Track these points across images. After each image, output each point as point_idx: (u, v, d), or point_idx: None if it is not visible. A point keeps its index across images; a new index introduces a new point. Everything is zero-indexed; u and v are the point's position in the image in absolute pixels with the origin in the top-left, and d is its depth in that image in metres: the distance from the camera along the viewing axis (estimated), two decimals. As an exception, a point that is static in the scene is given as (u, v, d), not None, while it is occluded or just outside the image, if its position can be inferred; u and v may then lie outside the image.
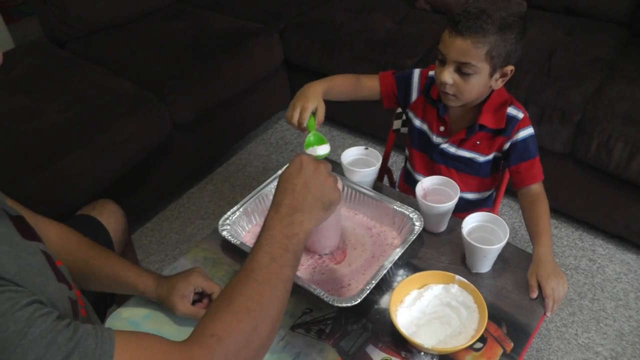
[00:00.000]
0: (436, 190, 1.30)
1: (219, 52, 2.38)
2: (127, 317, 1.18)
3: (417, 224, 1.24)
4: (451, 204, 1.24)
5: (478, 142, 1.38)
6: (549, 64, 2.09)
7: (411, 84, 1.46)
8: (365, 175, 1.36)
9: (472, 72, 1.23)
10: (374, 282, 1.12)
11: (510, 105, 1.34)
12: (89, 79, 2.22)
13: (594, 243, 2.16)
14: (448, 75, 1.25)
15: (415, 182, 1.52)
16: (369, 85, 1.49)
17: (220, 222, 1.30)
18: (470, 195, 1.49)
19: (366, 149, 1.42)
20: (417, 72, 1.46)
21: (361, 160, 1.42)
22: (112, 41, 2.51)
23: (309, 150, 1.20)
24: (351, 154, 1.41)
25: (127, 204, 2.17)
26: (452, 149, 1.42)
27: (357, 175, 1.35)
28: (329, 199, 0.88)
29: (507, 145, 1.36)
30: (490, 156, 1.40)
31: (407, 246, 1.19)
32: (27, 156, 1.88)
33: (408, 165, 1.58)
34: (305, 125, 1.27)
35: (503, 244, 1.13)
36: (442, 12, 2.53)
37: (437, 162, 1.46)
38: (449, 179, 1.29)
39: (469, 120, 1.38)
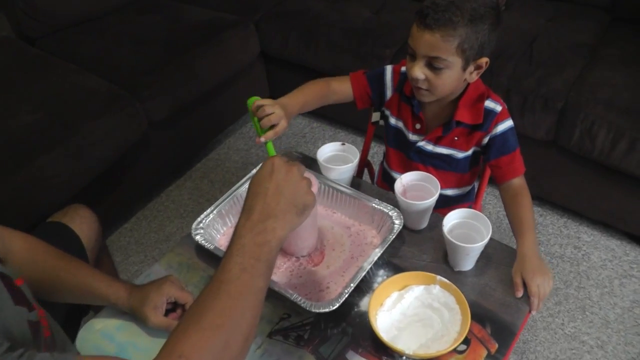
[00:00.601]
0: (416, 186, 1.27)
1: (193, 46, 2.32)
2: (100, 329, 1.15)
3: (397, 222, 1.21)
4: (431, 201, 1.20)
5: (456, 138, 1.34)
6: (531, 51, 2.06)
7: (384, 82, 1.41)
8: (343, 172, 1.32)
9: (444, 67, 1.19)
10: (353, 286, 1.09)
11: (487, 98, 1.30)
12: (60, 78, 2.15)
13: (578, 230, 2.14)
14: (419, 70, 1.21)
15: (393, 180, 1.49)
16: (340, 90, 1.43)
17: (193, 226, 1.25)
18: (450, 192, 1.45)
19: (343, 144, 1.38)
20: (389, 69, 1.41)
21: (338, 156, 1.38)
22: (84, 37, 2.43)
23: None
24: (327, 150, 1.37)
25: (104, 205, 2.14)
26: (429, 147, 1.38)
27: (334, 172, 1.31)
28: (302, 202, 0.85)
29: (485, 140, 1.32)
30: (469, 152, 1.36)
31: (386, 246, 1.16)
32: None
33: (385, 163, 1.54)
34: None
35: (485, 241, 1.10)
36: (420, 0, 2.47)
37: (414, 161, 1.43)
38: (429, 175, 1.25)
39: (445, 117, 1.34)
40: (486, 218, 1.14)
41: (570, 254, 2.06)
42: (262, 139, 1.12)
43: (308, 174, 1.09)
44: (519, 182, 1.31)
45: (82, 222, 1.40)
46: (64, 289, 1.13)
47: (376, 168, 1.72)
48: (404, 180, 1.26)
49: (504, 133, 1.30)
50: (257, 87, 2.75)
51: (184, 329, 0.73)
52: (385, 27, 2.32)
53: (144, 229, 2.33)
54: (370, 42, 2.26)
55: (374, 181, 1.65)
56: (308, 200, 0.86)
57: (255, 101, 1.16)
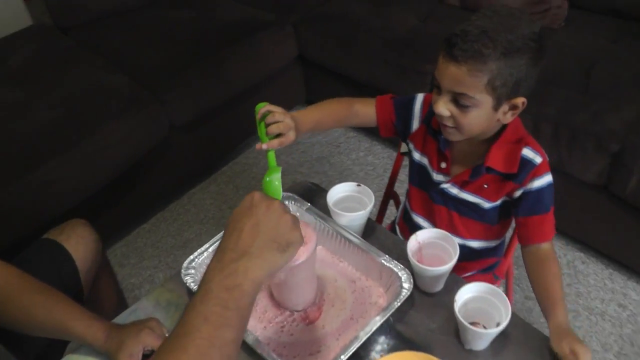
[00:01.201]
0: (433, 244, 1.12)
1: (224, 47, 2.21)
2: None
3: (406, 285, 1.07)
4: (447, 268, 1.05)
5: (485, 186, 1.18)
6: (587, 79, 1.85)
7: (412, 111, 1.26)
8: (353, 219, 1.18)
9: (471, 105, 1.04)
10: (344, 358, 0.96)
11: (526, 145, 1.13)
12: (85, 72, 2.09)
13: (625, 285, 1.92)
14: (443, 106, 1.06)
15: (413, 222, 1.35)
16: (364, 112, 1.29)
17: (184, 265, 1.15)
18: (475, 244, 1.30)
19: (358, 185, 1.24)
20: (419, 98, 1.26)
21: (352, 197, 1.24)
22: (115, 30, 2.37)
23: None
24: (340, 191, 1.24)
25: (123, 204, 2.08)
26: (454, 190, 1.23)
27: (344, 218, 1.18)
28: (285, 239, 0.73)
29: (518, 193, 1.16)
30: (498, 202, 1.20)
31: (388, 314, 1.02)
32: (8, 160, 1.78)
33: (407, 202, 1.40)
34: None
35: (502, 327, 0.95)
36: (472, 10, 2.28)
37: (437, 203, 1.27)
38: (447, 234, 1.10)
39: (475, 159, 1.18)
40: (506, 298, 0.99)
41: (613, 312, 1.85)
42: (265, 146, 1.06)
43: (304, 223, 0.97)
44: (547, 246, 1.15)
45: (77, 242, 1.33)
46: (39, 326, 1.08)
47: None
48: (420, 238, 1.11)
49: (540, 190, 1.13)
50: (293, 92, 2.63)
51: None
52: (429, 38, 2.15)
53: (162, 231, 2.27)
54: (411, 54, 2.10)
55: (396, 221, 1.50)
56: (293, 237, 0.74)
57: (264, 106, 1.08)
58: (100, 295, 1.45)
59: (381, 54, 2.15)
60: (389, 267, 1.10)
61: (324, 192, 1.31)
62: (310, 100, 2.75)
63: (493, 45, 0.97)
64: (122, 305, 1.57)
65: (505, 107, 1.05)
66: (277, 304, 1.11)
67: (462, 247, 1.22)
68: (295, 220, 0.76)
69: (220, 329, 0.66)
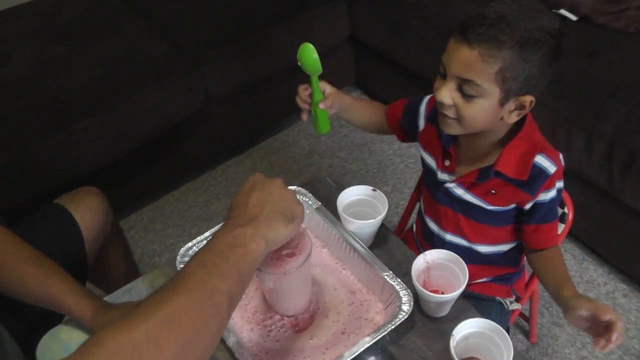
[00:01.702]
0: (443, 265, 1.03)
1: (273, 21, 2.13)
2: (64, 339, 1.08)
3: (405, 308, 0.98)
4: (452, 296, 0.97)
5: (493, 192, 1.10)
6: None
7: (418, 110, 1.21)
8: (362, 227, 1.10)
9: (477, 94, 0.96)
10: (324, 380, 0.90)
11: (540, 152, 1.05)
12: (128, 36, 2.07)
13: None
14: (446, 93, 0.99)
15: (429, 230, 1.27)
16: (381, 112, 1.28)
17: (181, 252, 1.11)
18: (483, 248, 1.21)
19: (374, 190, 1.15)
20: (426, 98, 1.21)
21: (365, 202, 1.16)
22: (166, -6, 2.32)
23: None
24: (353, 194, 1.16)
25: (154, 170, 2.07)
26: (459, 191, 1.15)
27: (353, 225, 1.10)
28: (290, 211, 0.77)
29: (528, 205, 1.09)
30: (507, 208, 1.12)
31: (379, 336, 0.95)
32: (43, 114, 1.78)
33: (421, 204, 1.34)
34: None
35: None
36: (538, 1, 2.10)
37: (442, 204, 1.20)
38: (458, 258, 1.01)
39: (483, 159, 1.10)
40: (509, 338, 0.89)
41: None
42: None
43: (300, 231, 0.91)
44: (554, 249, 1.12)
45: (85, 212, 1.32)
46: (30, 295, 1.07)
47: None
48: (429, 257, 1.03)
49: (552, 201, 1.08)
50: (342, 72, 2.54)
51: (114, 320, 0.60)
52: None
53: (190, 201, 2.25)
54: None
55: (415, 234, 1.40)
56: (297, 209, 0.79)
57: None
58: (108, 264, 1.46)
59: (432, 44, 2.02)
60: (391, 285, 1.02)
61: (343, 190, 1.23)
62: (359, 82, 2.65)
63: (510, 32, 0.91)
64: (132, 275, 1.56)
65: (511, 104, 0.99)
66: (268, 307, 1.06)
67: (470, 251, 1.20)
68: (295, 196, 0.80)
69: (215, 277, 0.65)
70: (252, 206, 0.74)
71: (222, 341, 0.97)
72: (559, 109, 1.68)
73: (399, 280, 1.02)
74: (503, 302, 1.27)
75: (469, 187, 1.13)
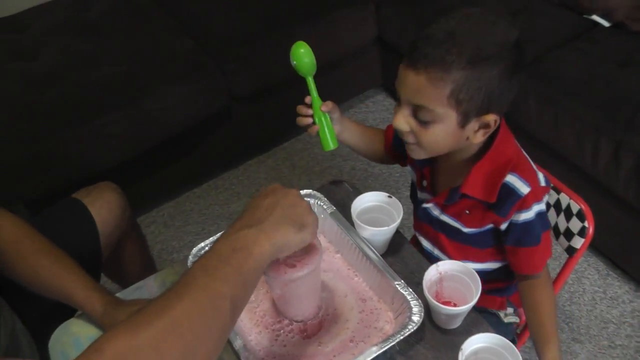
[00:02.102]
0: (455, 277, 1.01)
1: (298, 22, 2.12)
2: (75, 333, 1.09)
3: (415, 319, 0.97)
4: (464, 309, 0.95)
5: (467, 212, 1.06)
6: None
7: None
8: (376, 234, 1.08)
9: (431, 120, 0.91)
10: (329, 388, 0.89)
11: (512, 171, 0.97)
12: (155, 33, 2.09)
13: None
14: (402, 120, 0.95)
15: (421, 246, 1.24)
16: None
17: (193, 252, 1.11)
18: (471, 265, 1.15)
19: (390, 197, 1.13)
20: None
21: (380, 209, 1.14)
22: (194, -9, 2.33)
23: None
24: (368, 200, 1.14)
25: (175, 167, 2.09)
26: (435, 212, 1.12)
27: (367, 232, 1.08)
28: (301, 220, 0.76)
29: (504, 226, 1.04)
30: (484, 228, 1.08)
31: (387, 347, 0.93)
32: (68, 107, 1.81)
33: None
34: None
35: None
36: (569, 7, 2.05)
37: (423, 221, 1.17)
38: (472, 270, 0.98)
39: (455, 178, 1.04)
40: (518, 354, 0.87)
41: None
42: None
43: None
44: (538, 276, 1.07)
45: (101, 207, 1.33)
46: (43, 288, 1.10)
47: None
48: (441, 268, 1.00)
49: (528, 223, 1.00)
50: (368, 75, 2.52)
51: (117, 325, 0.61)
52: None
53: (211, 199, 2.26)
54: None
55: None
56: (309, 219, 0.77)
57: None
58: (124, 259, 1.47)
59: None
60: (402, 294, 1.00)
61: (355, 194, 1.21)
62: (385, 85, 2.63)
63: (458, 51, 0.85)
64: (148, 270, 1.57)
65: (474, 124, 0.93)
66: (277, 311, 1.05)
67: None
68: (310, 207, 0.79)
69: (217, 281, 0.65)
70: (262, 210, 0.74)
71: (229, 343, 0.96)
72: (586, 120, 1.64)
73: (411, 290, 1.00)
74: (498, 314, 1.22)
75: (442, 208, 1.10)
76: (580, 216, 1.13)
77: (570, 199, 1.14)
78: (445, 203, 1.07)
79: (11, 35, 2.14)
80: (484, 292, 1.17)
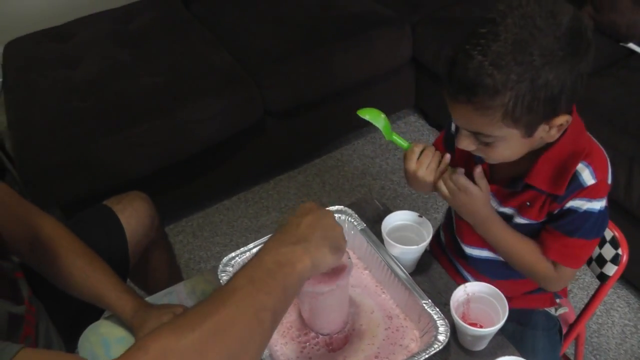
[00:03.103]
0: (483, 299, 1.00)
1: (335, 40, 2.15)
2: (103, 333, 1.12)
3: (441, 338, 0.96)
4: (491, 331, 0.94)
5: (528, 204, 1.00)
6: None
7: (452, 134, 1.11)
8: (405, 252, 1.09)
9: (493, 141, 0.87)
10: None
11: (583, 160, 0.92)
12: (193, 46, 2.14)
13: None
14: (465, 142, 0.91)
15: (459, 244, 1.21)
16: None
17: (223, 261, 1.12)
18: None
19: (420, 216, 1.14)
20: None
21: (410, 227, 1.14)
22: (233, 7, 2.37)
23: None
24: (398, 219, 1.14)
25: (209, 177, 2.14)
26: (494, 204, 1.05)
27: (397, 250, 1.09)
28: (337, 242, 0.79)
29: (555, 212, 0.98)
30: (539, 221, 1.02)
31: (413, 366, 0.93)
32: (104, 115, 1.86)
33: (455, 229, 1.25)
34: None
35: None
36: (606, 34, 2.04)
37: None
38: (499, 292, 0.98)
39: (520, 168, 0.98)
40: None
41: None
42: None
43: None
44: (562, 268, 1.01)
45: (131, 215, 1.36)
46: (76, 287, 1.13)
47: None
48: (469, 290, 1.00)
49: (578, 212, 0.94)
50: (402, 95, 2.52)
51: (159, 328, 0.62)
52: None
53: (240, 211, 2.28)
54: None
55: (446, 248, 1.31)
56: (343, 243, 0.82)
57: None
58: (151, 267, 1.49)
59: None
60: (429, 313, 1.00)
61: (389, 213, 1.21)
62: (418, 105, 2.63)
63: (499, 73, 0.77)
64: (175, 279, 1.59)
65: (544, 127, 0.86)
66: (304, 324, 1.06)
67: (502, 265, 1.11)
68: (343, 231, 0.82)
69: (261, 293, 0.67)
70: (304, 227, 0.75)
71: (256, 353, 0.97)
72: (619, 148, 1.62)
73: (438, 309, 1.00)
74: (548, 311, 1.18)
75: (501, 200, 1.05)
76: (614, 243, 1.11)
77: (604, 225, 1.13)
78: (504, 189, 1.01)
79: (56, 45, 2.21)
80: (530, 292, 1.15)
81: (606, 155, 0.96)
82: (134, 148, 1.83)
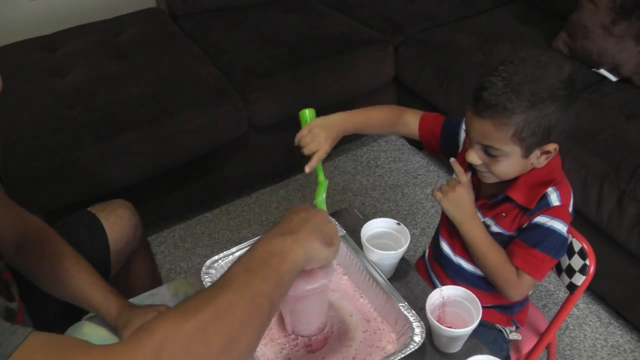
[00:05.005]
0: (458, 303, 1.05)
1: (321, 57, 2.21)
2: (87, 333, 1.13)
3: (416, 339, 1.00)
4: (465, 331, 0.98)
5: (504, 214, 1.16)
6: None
7: (458, 134, 1.25)
8: (384, 257, 1.13)
9: (500, 155, 1.05)
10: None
11: (553, 186, 1.10)
12: (180, 59, 2.18)
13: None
14: (474, 156, 1.09)
15: (440, 251, 1.30)
16: (413, 124, 1.31)
17: (206, 264, 1.15)
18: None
19: (398, 224, 1.19)
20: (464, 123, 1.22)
21: (389, 235, 1.19)
22: (221, 24, 2.43)
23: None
24: (377, 226, 1.19)
25: (192, 188, 2.16)
26: (478, 215, 1.19)
27: (375, 255, 1.13)
28: (328, 236, 0.83)
29: (524, 225, 1.14)
30: (510, 233, 1.17)
31: (388, 366, 0.96)
32: (92, 124, 1.88)
33: (439, 225, 1.35)
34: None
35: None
36: (579, 60, 2.13)
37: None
38: (473, 296, 1.02)
39: (502, 186, 1.15)
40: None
41: None
42: (307, 169, 1.26)
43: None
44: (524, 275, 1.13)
45: (115, 222, 1.37)
46: (60, 288, 1.14)
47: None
48: (445, 293, 1.05)
49: (540, 226, 1.10)
50: (383, 113, 2.59)
51: (162, 314, 0.66)
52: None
53: (222, 224, 2.30)
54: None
55: (425, 256, 1.42)
56: (336, 238, 0.85)
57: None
58: (131, 275, 1.49)
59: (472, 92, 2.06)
60: (406, 316, 1.04)
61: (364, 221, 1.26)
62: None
63: (517, 99, 0.98)
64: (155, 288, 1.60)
65: (537, 153, 1.05)
66: (284, 327, 1.08)
67: (475, 275, 1.24)
68: (336, 229, 0.87)
69: (257, 279, 0.70)
70: (295, 222, 0.80)
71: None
72: (591, 167, 1.69)
73: (414, 312, 1.04)
74: (503, 330, 1.28)
75: (484, 212, 1.19)
76: (582, 254, 1.17)
77: (573, 237, 1.19)
78: (488, 201, 1.17)
79: (44, 54, 2.24)
80: (490, 306, 1.25)
81: (571, 190, 1.13)
82: (119, 157, 1.85)
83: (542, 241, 1.10)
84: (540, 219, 1.10)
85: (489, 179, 1.12)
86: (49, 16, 2.63)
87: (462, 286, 1.05)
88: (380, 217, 1.20)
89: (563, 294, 1.88)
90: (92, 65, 2.15)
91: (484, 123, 1.02)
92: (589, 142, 1.75)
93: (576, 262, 1.19)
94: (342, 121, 1.28)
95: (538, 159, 1.07)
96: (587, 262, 1.16)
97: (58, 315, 1.25)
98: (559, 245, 1.11)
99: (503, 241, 1.17)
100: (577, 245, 1.18)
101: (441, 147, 1.28)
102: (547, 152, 1.06)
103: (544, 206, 1.10)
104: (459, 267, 1.26)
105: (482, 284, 1.22)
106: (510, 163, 1.06)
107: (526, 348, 1.32)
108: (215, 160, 2.15)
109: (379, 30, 2.42)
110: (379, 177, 2.52)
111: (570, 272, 1.20)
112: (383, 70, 2.39)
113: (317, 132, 1.23)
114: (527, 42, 2.28)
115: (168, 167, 1.98)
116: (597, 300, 1.94)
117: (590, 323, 1.89)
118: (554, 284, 2.00)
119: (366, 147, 2.70)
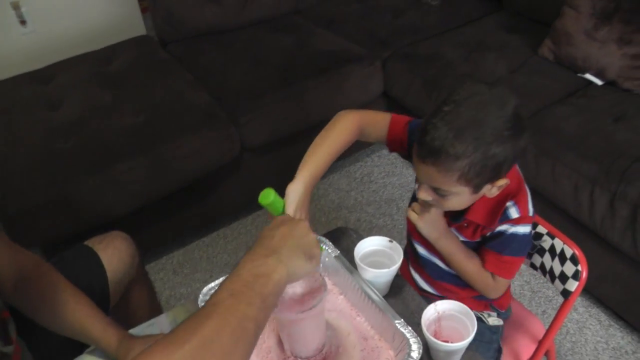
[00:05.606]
0: (453, 317, 1.06)
1: (310, 76, 2.24)
2: None
3: (414, 355, 1.00)
4: (461, 345, 0.99)
5: (465, 225, 1.18)
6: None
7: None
8: (378, 275, 1.14)
9: (448, 194, 1.05)
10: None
11: (511, 200, 1.10)
12: (171, 86, 2.20)
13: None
14: (424, 194, 1.08)
15: (417, 252, 1.31)
16: (375, 135, 1.26)
17: (204, 291, 1.16)
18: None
19: (391, 241, 1.20)
20: None
21: (382, 252, 1.20)
22: (210, 47, 2.46)
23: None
24: (370, 244, 1.20)
25: (188, 214, 2.17)
26: None
27: (369, 273, 1.14)
28: (310, 250, 0.84)
29: (488, 234, 1.17)
30: (475, 240, 1.20)
31: (388, 383, 0.97)
32: (85, 154, 1.90)
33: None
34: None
35: None
36: (565, 66, 2.16)
37: None
38: (468, 310, 1.03)
39: (461, 211, 1.16)
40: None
41: None
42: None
43: (316, 283, 0.99)
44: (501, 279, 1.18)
45: (113, 254, 1.38)
46: (59, 323, 1.14)
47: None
48: (439, 308, 1.05)
49: (504, 234, 1.13)
50: (374, 127, 2.61)
51: (150, 347, 0.65)
52: (516, 91, 2.03)
53: (219, 247, 2.31)
54: (494, 110, 2.01)
55: (409, 260, 1.40)
56: (316, 251, 0.86)
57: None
58: (131, 306, 1.50)
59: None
60: (402, 332, 1.05)
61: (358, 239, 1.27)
62: (391, 140, 2.71)
63: (460, 144, 0.96)
64: (155, 316, 1.61)
65: (488, 186, 1.05)
66: (282, 348, 1.09)
67: (449, 274, 1.26)
68: (317, 239, 0.87)
69: (242, 304, 0.70)
70: (277, 239, 0.80)
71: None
72: (582, 172, 1.70)
73: (410, 328, 1.05)
74: (481, 316, 1.29)
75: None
76: (574, 260, 1.18)
77: (564, 243, 1.20)
78: (451, 221, 1.18)
79: (38, 87, 2.26)
80: (469, 297, 1.28)
81: (528, 190, 1.14)
82: (114, 187, 1.86)
83: (509, 246, 1.13)
84: (502, 227, 1.12)
85: (445, 209, 1.14)
86: (41, 49, 2.67)
87: (442, 284, 1.12)
88: (375, 234, 1.21)
89: (562, 299, 1.88)
90: (84, 96, 2.17)
91: (429, 168, 1.01)
92: (578, 147, 1.77)
93: (569, 268, 1.20)
94: (315, 174, 1.22)
95: (490, 191, 1.07)
96: (580, 267, 1.18)
97: (59, 349, 1.25)
98: (524, 245, 1.15)
99: (472, 247, 1.21)
100: (568, 252, 1.20)
101: (408, 149, 1.23)
102: (499, 186, 1.06)
103: (504, 219, 1.11)
104: (436, 266, 1.28)
105: (460, 281, 1.25)
106: (460, 199, 1.06)
107: (525, 355, 1.33)
108: (210, 184, 2.17)
109: (366, 47, 2.45)
110: (373, 192, 2.54)
111: (564, 278, 1.21)
112: (372, 86, 2.41)
113: (300, 213, 1.16)
114: (514, 50, 2.31)
115: (163, 194, 1.99)
116: (596, 303, 1.94)
117: (591, 326, 1.89)
118: (552, 290, 2.01)
119: (360, 162, 2.72)
